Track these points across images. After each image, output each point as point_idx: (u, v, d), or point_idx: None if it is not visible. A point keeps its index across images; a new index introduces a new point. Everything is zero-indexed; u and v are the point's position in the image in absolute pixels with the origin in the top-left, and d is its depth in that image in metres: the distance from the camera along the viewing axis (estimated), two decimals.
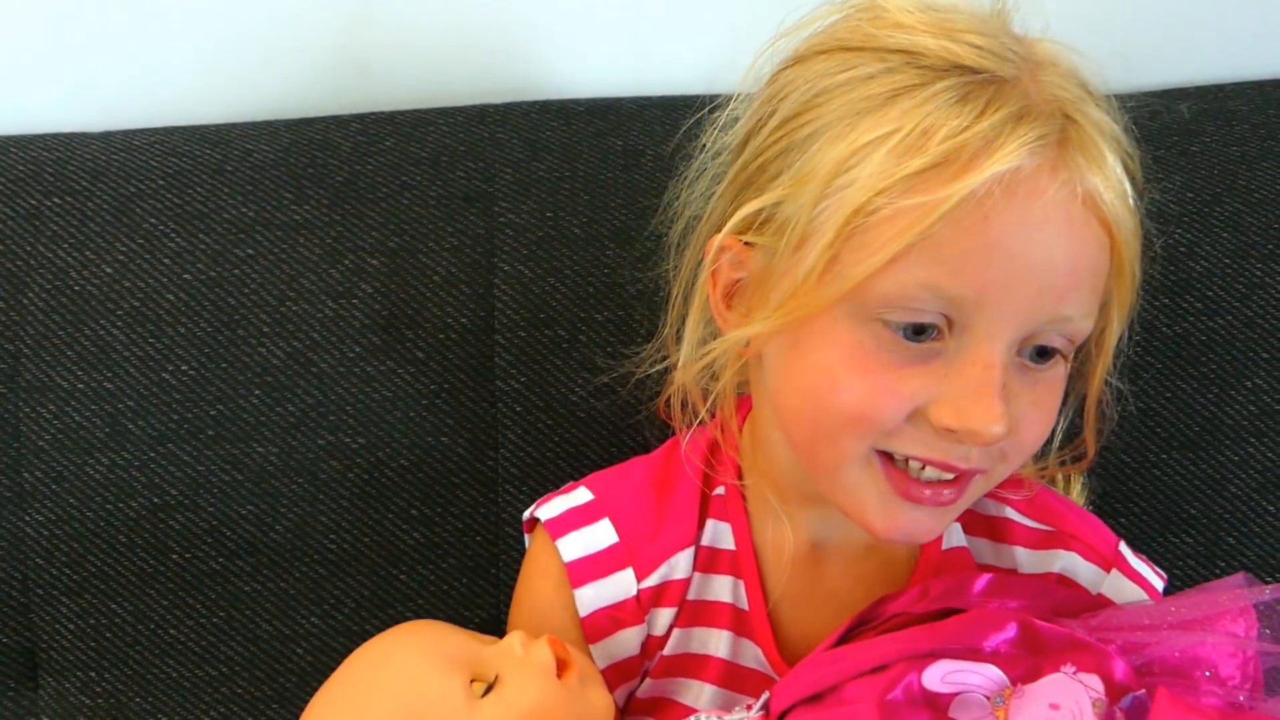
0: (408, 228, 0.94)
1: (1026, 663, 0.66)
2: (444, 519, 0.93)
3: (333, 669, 0.93)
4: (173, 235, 0.93)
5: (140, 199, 0.94)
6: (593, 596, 0.78)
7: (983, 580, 0.71)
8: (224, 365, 0.91)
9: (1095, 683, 0.64)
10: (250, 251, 0.93)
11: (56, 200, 0.94)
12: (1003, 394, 0.66)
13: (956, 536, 0.80)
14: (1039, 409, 0.69)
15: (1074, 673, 0.65)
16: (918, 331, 0.66)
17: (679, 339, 0.79)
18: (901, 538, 0.72)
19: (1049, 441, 0.75)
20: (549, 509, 0.81)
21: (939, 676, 0.65)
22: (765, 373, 0.74)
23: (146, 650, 0.94)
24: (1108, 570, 0.79)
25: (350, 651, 0.93)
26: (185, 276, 0.92)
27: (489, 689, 0.70)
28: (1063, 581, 0.79)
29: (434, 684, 0.70)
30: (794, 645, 0.78)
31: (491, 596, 0.94)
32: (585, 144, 0.97)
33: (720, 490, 0.80)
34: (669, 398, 0.80)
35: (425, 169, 0.96)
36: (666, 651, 0.79)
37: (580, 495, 0.81)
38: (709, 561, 0.79)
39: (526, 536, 0.84)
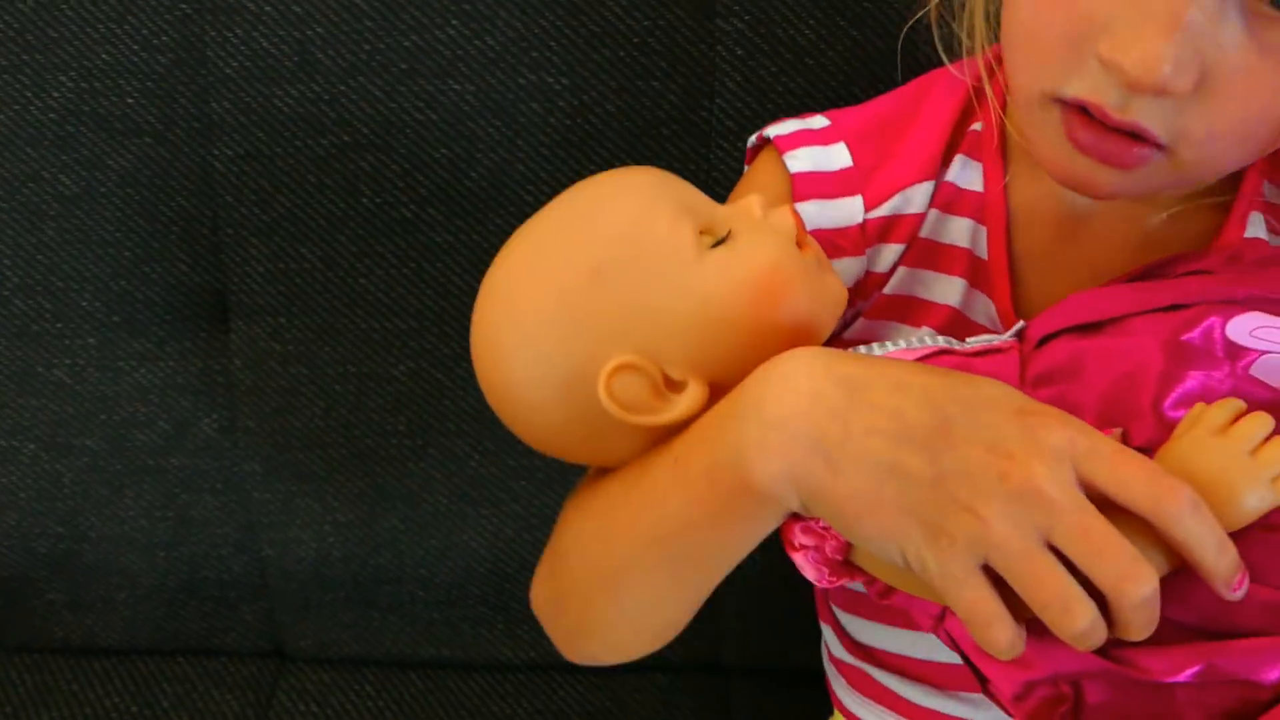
0: None
1: None
2: None
3: None
4: None
5: None
6: (814, 213, 0.70)
7: None
8: None
9: None
10: None
11: None
12: (1187, 33, 0.52)
13: (1261, 230, 0.68)
14: (1255, 81, 0.54)
15: None
16: None
17: None
18: (1075, 185, 0.61)
19: None
20: (781, 127, 0.73)
21: (1248, 329, 0.54)
22: None
23: (335, 298, 0.91)
24: None
25: None
26: None
27: (720, 243, 0.63)
28: None
29: (663, 223, 0.62)
30: (1031, 309, 0.69)
31: None
32: None
33: (978, 126, 0.71)
34: None
35: None
36: (888, 290, 0.72)
37: (817, 121, 0.73)
38: (950, 200, 0.71)
39: (746, 168, 0.76)
